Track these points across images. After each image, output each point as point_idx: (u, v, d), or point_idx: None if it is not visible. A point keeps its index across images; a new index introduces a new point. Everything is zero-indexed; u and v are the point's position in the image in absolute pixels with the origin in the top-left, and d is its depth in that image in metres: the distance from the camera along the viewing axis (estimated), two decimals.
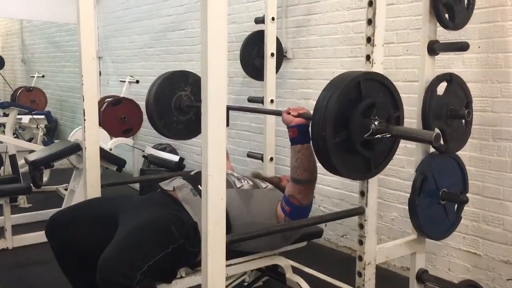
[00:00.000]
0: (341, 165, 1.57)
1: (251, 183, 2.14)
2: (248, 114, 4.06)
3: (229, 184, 2.04)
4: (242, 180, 2.13)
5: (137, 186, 4.72)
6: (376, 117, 1.58)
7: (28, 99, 6.56)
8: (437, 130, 1.50)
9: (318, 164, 1.79)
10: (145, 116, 5.08)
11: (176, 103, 2.62)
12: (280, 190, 2.15)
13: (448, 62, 2.68)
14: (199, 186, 1.94)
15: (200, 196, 1.86)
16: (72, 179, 3.70)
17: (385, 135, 1.57)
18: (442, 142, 2.09)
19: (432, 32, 2.06)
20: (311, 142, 1.70)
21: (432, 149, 2.10)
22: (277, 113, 2.23)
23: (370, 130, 1.57)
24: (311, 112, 1.64)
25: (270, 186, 2.19)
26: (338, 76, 1.63)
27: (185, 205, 1.97)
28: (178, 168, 3.81)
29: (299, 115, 1.89)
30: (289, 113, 1.92)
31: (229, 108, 2.69)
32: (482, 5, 2.51)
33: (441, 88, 2.08)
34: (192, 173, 2.24)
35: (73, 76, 6.98)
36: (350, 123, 1.55)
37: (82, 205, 2.20)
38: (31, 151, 4.00)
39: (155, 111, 2.57)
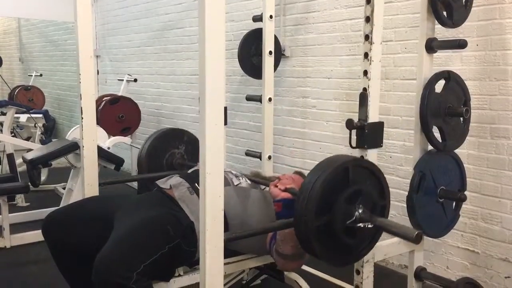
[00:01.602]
0: (321, 250, 1.54)
1: (248, 181, 2.13)
2: (246, 113, 4.06)
3: (227, 182, 2.03)
4: (240, 178, 2.13)
5: (135, 184, 4.71)
6: (361, 205, 1.56)
7: (26, 98, 6.55)
8: (417, 230, 1.50)
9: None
10: (143, 115, 5.12)
11: (168, 160, 2.61)
12: None
13: (446, 60, 2.68)
14: (196, 184, 1.94)
15: (197, 194, 1.86)
16: (70, 178, 3.70)
17: (367, 225, 1.55)
18: (440, 140, 2.10)
19: (430, 30, 2.06)
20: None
21: (430, 147, 2.10)
22: (265, 184, 2.19)
23: (353, 217, 1.55)
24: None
25: (268, 188, 2.17)
26: (327, 159, 1.62)
27: (181, 204, 1.96)
28: None
29: (286, 190, 1.87)
30: (276, 186, 1.91)
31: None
32: (480, 3, 2.51)
33: (439, 86, 2.08)
34: (190, 171, 2.23)
35: (71, 74, 6.97)
36: (334, 207, 1.53)
37: (79, 204, 2.19)
38: (29, 150, 3.99)
39: (146, 166, 2.56)
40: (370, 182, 1.64)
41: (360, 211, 1.56)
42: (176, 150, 2.63)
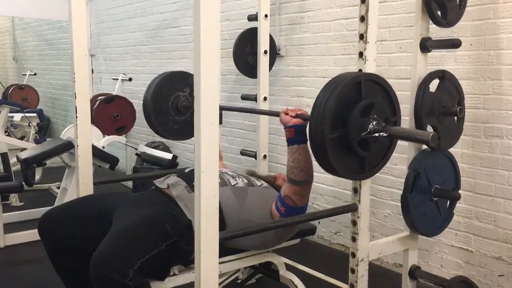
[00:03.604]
0: (336, 162, 1.56)
1: (245, 181, 2.14)
2: (241, 112, 4.06)
3: (224, 182, 2.04)
4: (237, 178, 2.13)
5: (130, 184, 4.71)
6: (375, 116, 1.59)
7: (20, 97, 6.51)
8: (433, 132, 1.52)
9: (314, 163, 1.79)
10: (138, 114, 5.10)
11: (173, 102, 2.61)
12: (275, 189, 2.15)
13: (441, 59, 2.69)
14: (193, 183, 1.94)
15: None
16: (65, 177, 3.69)
17: (382, 134, 1.58)
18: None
19: (424, 30, 2.07)
20: (308, 142, 1.70)
21: (424, 146, 2.11)
22: (275, 113, 2.23)
23: (367, 129, 1.58)
24: (309, 113, 1.64)
25: (265, 184, 2.18)
26: (338, 75, 1.63)
27: (179, 202, 1.96)
28: (171, 166, 3.80)
29: (296, 116, 1.89)
30: (287, 114, 1.93)
31: (224, 109, 2.68)
32: (474, 3, 2.52)
33: (434, 85, 2.09)
34: (187, 170, 2.23)
35: (65, 73, 6.94)
36: (348, 121, 1.56)
37: (75, 203, 2.19)
38: (23, 149, 3.97)
39: (152, 108, 2.56)
40: (381, 97, 1.67)
41: (374, 122, 1.58)
42: (181, 92, 2.62)
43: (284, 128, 1.92)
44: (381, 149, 1.70)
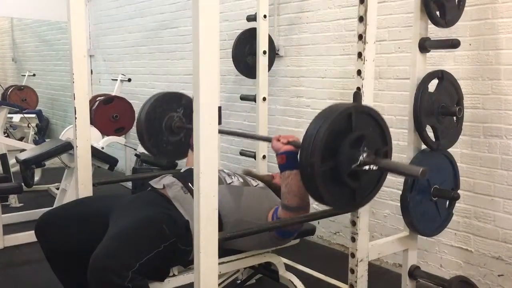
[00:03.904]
0: (327, 194, 1.56)
1: (241, 180, 2.14)
2: (241, 112, 4.06)
3: (220, 181, 2.03)
4: (233, 177, 2.13)
5: (129, 184, 4.71)
6: (365, 148, 1.58)
7: (19, 98, 6.51)
8: (422, 167, 1.52)
9: None
10: (137, 115, 5.09)
11: (167, 123, 2.61)
12: (272, 189, 2.15)
13: (440, 60, 2.69)
14: (189, 184, 1.94)
15: (191, 193, 1.86)
16: (64, 178, 3.68)
17: (373, 167, 1.57)
18: (433, 139, 2.11)
19: (423, 30, 2.07)
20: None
21: (424, 146, 2.11)
22: (267, 139, 2.23)
23: (358, 161, 1.57)
24: (301, 140, 1.64)
25: (261, 184, 2.18)
26: (329, 107, 1.63)
27: (175, 203, 1.96)
28: (170, 166, 3.80)
29: (288, 143, 1.89)
30: (278, 140, 1.93)
31: (221, 132, 2.70)
32: (473, 3, 2.52)
33: (433, 85, 2.09)
34: (182, 170, 2.23)
35: (65, 74, 6.93)
36: (339, 152, 1.55)
37: (73, 204, 2.18)
38: (22, 150, 3.97)
39: (146, 129, 2.55)
40: (372, 128, 1.66)
41: (365, 154, 1.58)
42: (175, 113, 2.62)
43: (276, 155, 1.92)
44: (372, 180, 1.69)
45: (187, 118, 2.65)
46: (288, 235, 2.02)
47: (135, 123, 4.89)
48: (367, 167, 1.57)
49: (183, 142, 2.64)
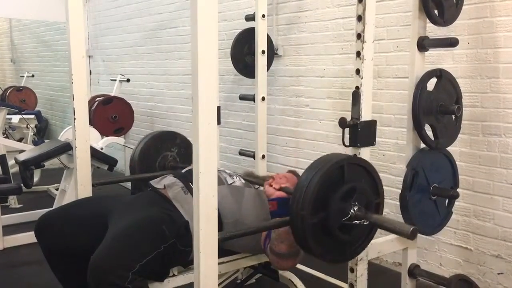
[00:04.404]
0: (316, 246, 1.55)
1: (242, 180, 2.14)
2: (240, 112, 4.06)
3: (221, 181, 2.03)
4: (234, 177, 2.13)
5: (128, 185, 4.70)
6: (356, 203, 1.57)
7: (18, 98, 6.51)
8: (412, 226, 1.52)
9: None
10: (136, 115, 5.10)
11: (160, 162, 2.60)
12: None
13: (438, 58, 2.69)
14: (190, 184, 1.94)
15: (191, 194, 1.86)
16: (63, 178, 3.68)
17: (363, 222, 1.57)
18: (432, 137, 2.11)
19: (421, 28, 2.07)
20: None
21: (422, 145, 2.11)
22: (260, 183, 2.22)
23: (348, 214, 1.56)
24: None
25: (261, 188, 2.18)
26: (322, 157, 1.63)
27: (175, 203, 1.96)
28: None
29: (280, 189, 1.88)
30: (271, 185, 1.92)
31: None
32: (471, 1, 2.52)
33: (431, 84, 2.09)
34: (184, 170, 2.23)
35: (63, 75, 6.93)
36: (330, 205, 1.54)
37: (72, 205, 2.18)
38: (21, 151, 3.96)
39: (139, 168, 2.55)
40: (364, 180, 1.65)
41: (356, 208, 1.57)
42: (169, 152, 2.63)
43: (268, 200, 1.91)
44: (363, 233, 1.67)
45: (181, 157, 2.65)
46: None
47: (134, 121, 4.97)
48: (357, 222, 1.56)
49: None
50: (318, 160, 1.60)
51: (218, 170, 1.93)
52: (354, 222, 1.56)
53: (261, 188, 2.16)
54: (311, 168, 1.56)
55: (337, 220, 1.56)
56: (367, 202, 1.62)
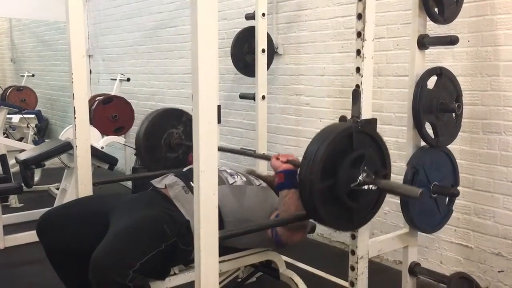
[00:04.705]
0: (324, 212, 1.56)
1: (244, 179, 2.13)
2: (240, 111, 4.06)
3: (222, 181, 2.03)
4: (235, 176, 2.13)
5: (129, 184, 4.71)
6: (365, 168, 1.58)
7: (18, 98, 6.51)
8: (421, 189, 1.53)
9: None
10: (136, 114, 5.10)
11: (166, 139, 2.60)
12: (273, 189, 2.15)
13: (438, 56, 2.69)
14: (191, 183, 1.94)
15: (192, 193, 1.86)
16: (64, 178, 3.68)
17: (372, 187, 1.57)
18: (432, 136, 2.11)
19: (422, 27, 2.07)
20: (298, 187, 1.70)
21: (423, 143, 2.12)
22: (266, 157, 2.23)
23: (357, 180, 1.57)
24: (300, 159, 1.64)
25: (263, 184, 2.18)
26: (330, 125, 1.63)
27: (176, 203, 1.96)
28: None
29: (287, 161, 1.90)
30: (277, 159, 1.94)
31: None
32: None
33: (432, 82, 2.09)
34: (185, 169, 2.23)
35: (64, 74, 6.93)
36: (338, 171, 1.55)
37: (73, 204, 2.19)
38: (22, 151, 3.96)
39: (144, 144, 2.55)
40: (372, 149, 1.66)
41: (364, 174, 1.58)
42: (174, 130, 2.62)
43: (275, 173, 1.92)
44: (370, 201, 1.69)
45: (186, 135, 2.64)
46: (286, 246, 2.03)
47: (134, 121, 4.97)
48: (366, 187, 1.57)
49: (181, 159, 2.63)
50: (325, 129, 1.61)
51: (219, 170, 1.94)
52: (363, 187, 1.57)
53: (263, 184, 2.17)
54: (319, 135, 1.57)
55: (346, 186, 1.57)
56: (375, 170, 1.63)
